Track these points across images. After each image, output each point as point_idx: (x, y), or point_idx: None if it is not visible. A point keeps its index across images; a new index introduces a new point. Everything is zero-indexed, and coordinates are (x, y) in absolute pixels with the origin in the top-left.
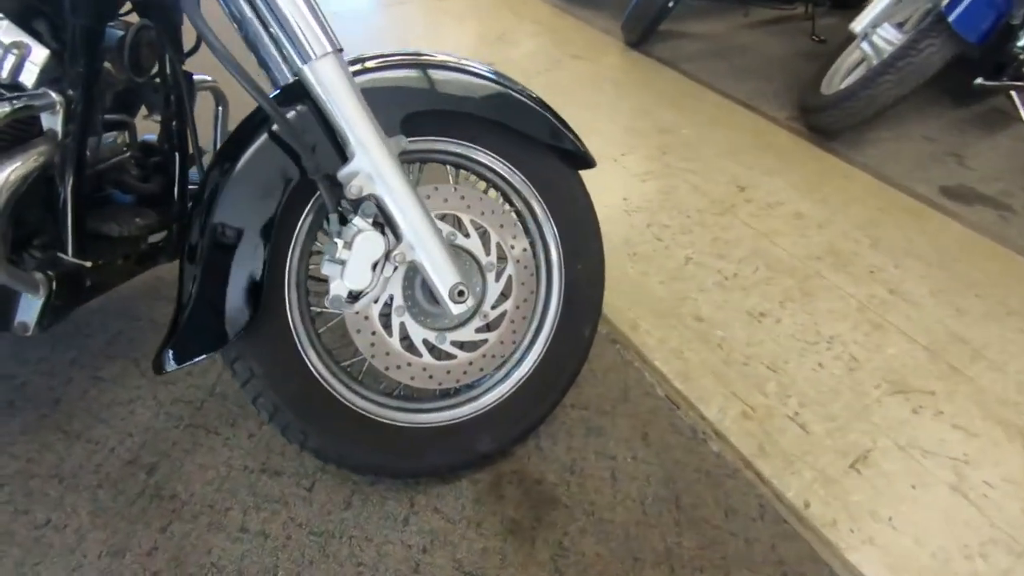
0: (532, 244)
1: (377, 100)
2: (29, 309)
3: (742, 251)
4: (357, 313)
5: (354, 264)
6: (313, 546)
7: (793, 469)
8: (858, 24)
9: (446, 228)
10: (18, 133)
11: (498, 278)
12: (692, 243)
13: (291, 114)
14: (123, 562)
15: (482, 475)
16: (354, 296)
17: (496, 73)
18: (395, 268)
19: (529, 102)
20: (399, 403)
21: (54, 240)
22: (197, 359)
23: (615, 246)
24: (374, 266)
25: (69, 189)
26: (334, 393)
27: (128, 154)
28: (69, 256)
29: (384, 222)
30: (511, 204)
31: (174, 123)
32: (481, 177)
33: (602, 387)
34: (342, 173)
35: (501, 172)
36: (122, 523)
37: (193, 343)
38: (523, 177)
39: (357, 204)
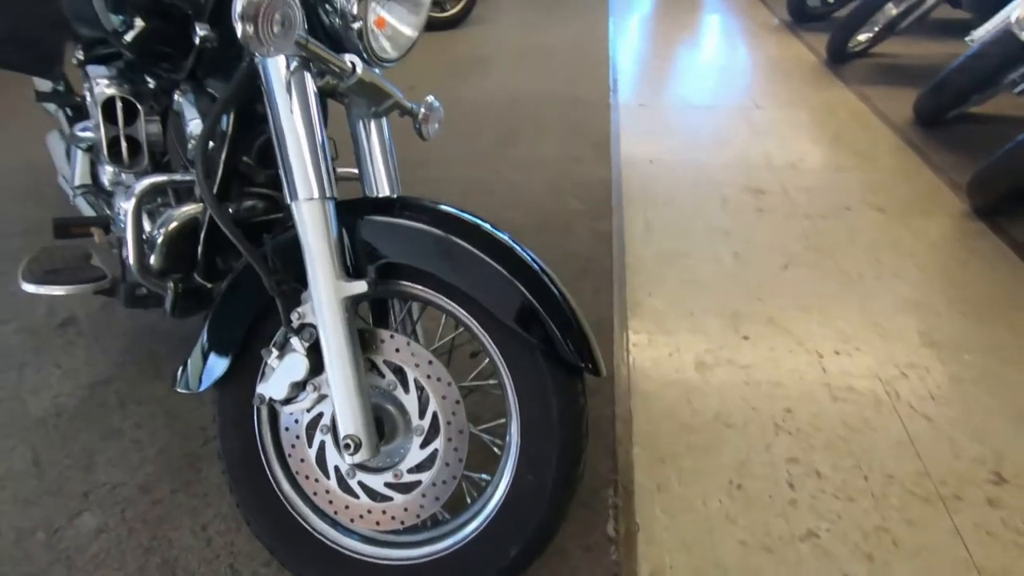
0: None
1: (364, 241)
2: (167, 302)
3: (914, 567)
4: (291, 413)
5: (277, 375)
6: None
7: None
8: None
9: (389, 377)
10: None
11: (424, 446)
12: (837, 515)
13: (287, 233)
14: (126, 485)
15: None
16: (283, 400)
17: (500, 244)
18: (320, 393)
19: (517, 286)
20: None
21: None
22: (186, 391)
23: (721, 464)
24: (296, 384)
25: (202, 235)
26: (266, 468)
27: (281, 215)
28: (197, 277)
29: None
30: (498, 378)
31: None
32: (475, 339)
33: None
34: (301, 296)
35: (486, 344)
36: (154, 468)
37: (187, 376)
38: (503, 359)
39: (302, 327)
